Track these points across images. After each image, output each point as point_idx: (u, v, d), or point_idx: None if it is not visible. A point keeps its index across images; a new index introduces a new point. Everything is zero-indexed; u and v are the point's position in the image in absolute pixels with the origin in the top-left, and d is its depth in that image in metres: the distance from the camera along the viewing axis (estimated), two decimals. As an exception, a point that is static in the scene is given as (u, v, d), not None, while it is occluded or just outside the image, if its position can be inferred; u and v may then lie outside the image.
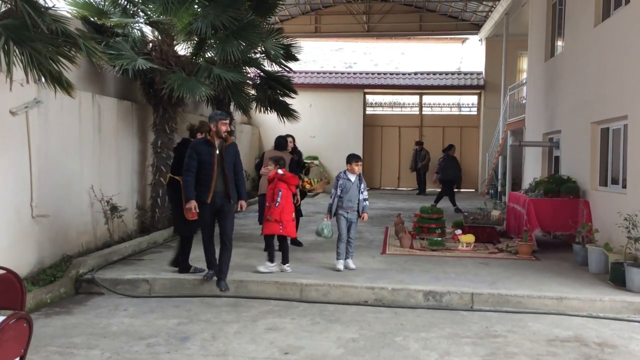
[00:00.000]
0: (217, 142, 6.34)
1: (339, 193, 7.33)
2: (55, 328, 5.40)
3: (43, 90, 6.48)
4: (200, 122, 7.50)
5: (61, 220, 7.52)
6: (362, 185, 7.42)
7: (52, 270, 6.97)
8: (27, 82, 5.40)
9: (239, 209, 6.60)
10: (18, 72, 5.21)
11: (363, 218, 7.41)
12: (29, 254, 6.87)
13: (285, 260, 7.22)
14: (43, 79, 5.43)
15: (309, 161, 9.87)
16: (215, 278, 6.59)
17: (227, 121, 6.41)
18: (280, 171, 7.32)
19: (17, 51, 4.99)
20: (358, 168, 7.39)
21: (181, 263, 7.02)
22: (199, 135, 7.00)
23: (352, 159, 7.43)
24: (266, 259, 7.19)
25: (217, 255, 6.62)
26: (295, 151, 9.19)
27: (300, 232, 9.16)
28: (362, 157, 19.61)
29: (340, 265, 7.26)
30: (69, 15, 8.63)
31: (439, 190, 15.03)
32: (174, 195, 7.08)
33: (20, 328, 2.98)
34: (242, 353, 4.83)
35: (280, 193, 7.16)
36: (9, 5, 5.29)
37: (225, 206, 6.42)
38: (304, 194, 9.31)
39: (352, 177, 7.38)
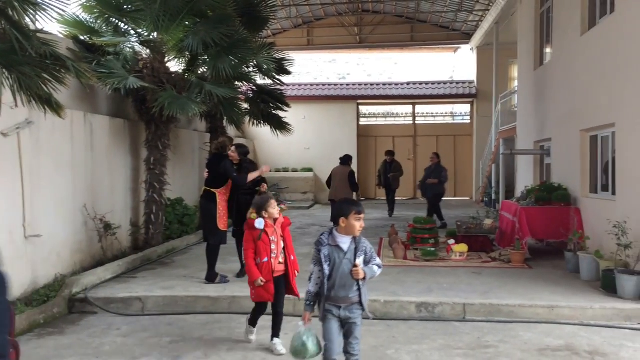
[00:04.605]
0: None
1: (326, 272, 3.93)
2: (48, 349, 5.41)
3: (34, 111, 6.52)
4: (228, 138, 8.07)
5: (54, 239, 7.53)
6: (366, 257, 3.95)
7: (45, 290, 6.97)
8: (16, 105, 5.46)
9: None
10: (7, 94, 5.26)
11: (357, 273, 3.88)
12: (22, 274, 6.87)
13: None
14: (33, 101, 5.48)
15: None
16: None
17: None
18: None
19: (5, 75, 5.04)
20: (360, 224, 3.94)
21: (208, 272, 7.39)
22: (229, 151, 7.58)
23: (349, 208, 3.93)
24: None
25: None
26: (242, 165, 7.80)
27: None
28: (357, 168, 18.18)
29: None
30: (60, 35, 8.74)
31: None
32: (207, 206, 7.50)
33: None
34: (234, 370, 4.85)
35: None
36: (-3, 30, 5.35)
37: None
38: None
39: (345, 243, 3.94)
